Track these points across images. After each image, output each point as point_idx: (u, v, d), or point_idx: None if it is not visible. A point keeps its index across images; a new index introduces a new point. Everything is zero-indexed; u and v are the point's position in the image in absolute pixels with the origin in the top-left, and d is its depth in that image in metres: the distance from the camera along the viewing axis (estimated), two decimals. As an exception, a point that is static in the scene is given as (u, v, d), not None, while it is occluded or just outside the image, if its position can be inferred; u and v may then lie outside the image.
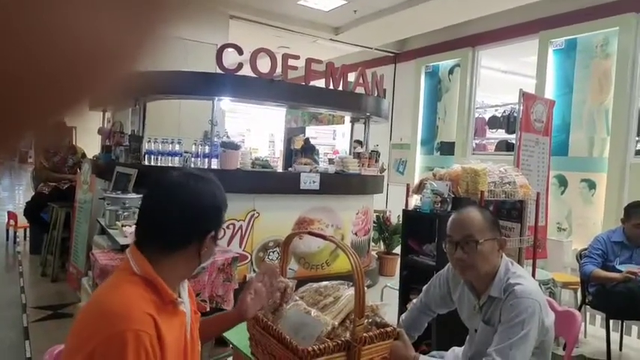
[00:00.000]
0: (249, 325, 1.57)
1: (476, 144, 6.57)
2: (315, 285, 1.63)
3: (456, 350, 1.91)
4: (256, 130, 12.41)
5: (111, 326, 0.98)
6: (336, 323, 1.37)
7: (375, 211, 5.53)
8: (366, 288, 1.39)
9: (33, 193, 5.47)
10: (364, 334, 1.35)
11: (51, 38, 0.26)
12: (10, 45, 0.25)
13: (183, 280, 1.24)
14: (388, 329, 1.41)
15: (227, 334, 1.84)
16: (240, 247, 4.09)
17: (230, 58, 4.27)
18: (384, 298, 3.65)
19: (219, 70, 4.16)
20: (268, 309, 1.54)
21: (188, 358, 1.20)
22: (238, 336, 1.72)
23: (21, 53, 0.25)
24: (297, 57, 4.30)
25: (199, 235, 1.17)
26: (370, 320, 1.45)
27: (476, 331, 1.71)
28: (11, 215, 6.24)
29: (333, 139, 11.23)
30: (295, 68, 4.33)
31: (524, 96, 3.90)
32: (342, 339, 1.33)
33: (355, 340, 1.32)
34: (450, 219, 1.73)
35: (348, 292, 1.48)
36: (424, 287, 1.98)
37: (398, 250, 4.38)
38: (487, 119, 6.54)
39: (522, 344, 1.46)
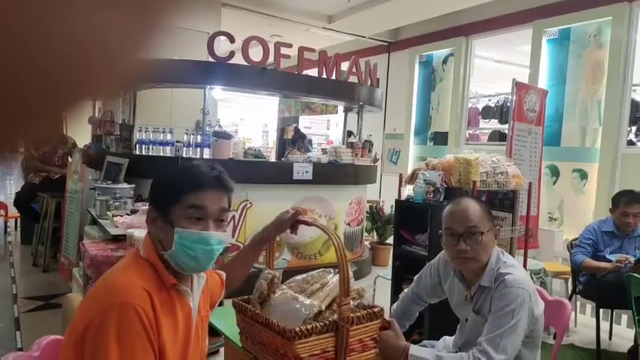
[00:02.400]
0: (238, 320, 1.57)
1: (469, 134, 6.57)
2: (301, 275, 1.63)
3: (447, 339, 1.92)
4: (249, 119, 12.34)
5: (107, 299, 1.03)
6: (323, 306, 1.38)
7: (368, 202, 5.53)
8: (351, 272, 1.40)
9: (23, 183, 5.41)
10: (352, 315, 1.35)
11: (51, 35, 0.25)
12: (10, 43, 0.24)
13: (193, 272, 1.22)
14: (375, 309, 1.42)
15: (219, 325, 1.84)
16: (233, 237, 4.08)
17: (222, 46, 4.22)
18: (377, 288, 3.66)
19: (210, 59, 4.11)
20: (256, 300, 1.54)
21: (190, 352, 1.19)
22: (230, 327, 1.72)
23: (20, 51, 0.25)
24: (289, 45, 4.26)
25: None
26: (357, 303, 1.45)
27: (466, 320, 1.71)
28: (1, 205, 6.19)
29: (327, 128, 11.20)
30: (288, 57, 4.29)
31: (518, 85, 3.89)
32: (330, 320, 1.34)
33: (343, 320, 1.33)
34: (448, 211, 1.69)
35: (334, 279, 1.49)
36: (415, 277, 1.98)
37: (391, 240, 4.39)
38: (480, 109, 6.54)
39: (512, 333, 1.47)
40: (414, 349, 1.51)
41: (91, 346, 1.00)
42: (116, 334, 0.99)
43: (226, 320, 1.80)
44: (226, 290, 1.50)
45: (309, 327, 1.30)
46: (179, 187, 1.14)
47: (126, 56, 0.29)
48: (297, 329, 1.28)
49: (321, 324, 1.33)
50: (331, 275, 1.58)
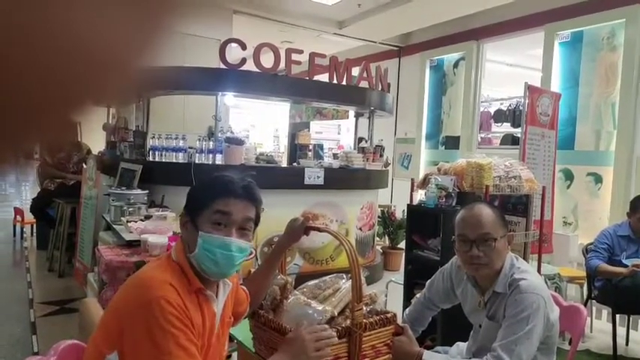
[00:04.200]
0: (251, 325, 1.58)
1: (481, 138, 6.53)
2: (314, 281, 1.64)
3: (460, 345, 1.91)
4: (261, 125, 12.39)
5: (146, 295, 1.09)
6: (336, 312, 1.38)
7: (380, 206, 5.52)
8: (364, 278, 1.40)
9: (39, 189, 5.50)
10: (364, 321, 1.36)
11: (58, 37, 0.25)
12: (17, 45, 0.25)
13: (221, 278, 1.26)
14: (388, 315, 1.42)
15: (232, 331, 1.85)
16: (245, 242, 4.09)
17: (233, 53, 4.26)
18: (389, 293, 3.65)
19: (222, 66, 4.15)
20: (268, 306, 1.55)
21: (210, 355, 1.23)
22: (243, 332, 1.72)
23: (27, 53, 0.25)
24: (300, 51, 4.29)
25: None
26: (370, 309, 1.45)
27: (480, 326, 1.70)
28: (18, 211, 6.28)
29: (337, 133, 11.20)
30: (299, 63, 4.32)
31: (530, 89, 3.87)
32: (343, 326, 1.34)
33: (355, 326, 1.33)
34: (461, 217, 1.68)
35: (347, 284, 1.49)
36: (427, 282, 1.97)
37: (403, 244, 4.37)
38: (492, 113, 6.50)
39: (527, 340, 1.46)
40: (428, 355, 1.50)
41: (135, 341, 1.07)
42: (158, 326, 1.06)
43: (239, 325, 1.81)
44: (251, 307, 1.53)
45: None
46: (209, 194, 1.21)
47: (132, 57, 0.29)
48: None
49: (334, 329, 1.34)
50: (344, 281, 1.59)
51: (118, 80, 0.30)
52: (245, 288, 1.54)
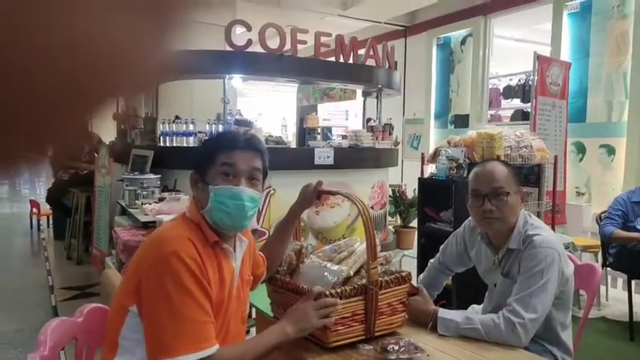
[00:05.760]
0: (268, 291, 1.60)
1: (491, 115, 6.47)
2: (329, 246, 1.66)
3: (476, 307, 1.92)
4: (268, 114, 12.45)
5: (159, 251, 1.13)
6: (352, 272, 1.40)
7: (391, 186, 5.52)
8: (378, 239, 1.42)
9: (52, 180, 5.58)
10: (380, 279, 1.38)
11: (74, 44, 0.25)
12: (33, 52, 0.25)
13: (235, 231, 1.29)
14: (403, 274, 1.44)
15: (250, 299, 1.87)
16: (258, 223, 4.12)
17: (238, 37, 4.26)
18: (403, 268, 3.67)
19: (228, 49, 4.15)
20: (285, 272, 1.57)
21: (231, 310, 1.25)
22: (261, 300, 1.75)
23: (43, 59, 0.25)
24: (305, 31, 4.28)
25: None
26: (384, 269, 1.47)
27: (495, 285, 1.71)
28: (33, 204, 6.38)
29: (345, 119, 11.19)
30: (304, 42, 4.31)
31: (539, 59, 3.83)
32: (359, 284, 1.37)
33: (371, 283, 1.35)
34: (474, 173, 1.70)
35: (361, 247, 1.51)
36: (441, 247, 1.98)
37: (415, 223, 4.38)
38: (502, 89, 6.43)
39: (542, 292, 1.46)
40: (443, 312, 1.52)
41: (149, 293, 1.10)
42: (172, 279, 1.09)
43: (257, 292, 1.84)
44: (268, 272, 1.55)
45: (338, 290, 1.33)
46: (213, 149, 1.25)
47: (146, 53, 0.29)
48: (328, 293, 1.31)
49: (350, 287, 1.36)
50: (358, 243, 1.61)
51: (130, 81, 0.30)
52: (261, 253, 1.56)
